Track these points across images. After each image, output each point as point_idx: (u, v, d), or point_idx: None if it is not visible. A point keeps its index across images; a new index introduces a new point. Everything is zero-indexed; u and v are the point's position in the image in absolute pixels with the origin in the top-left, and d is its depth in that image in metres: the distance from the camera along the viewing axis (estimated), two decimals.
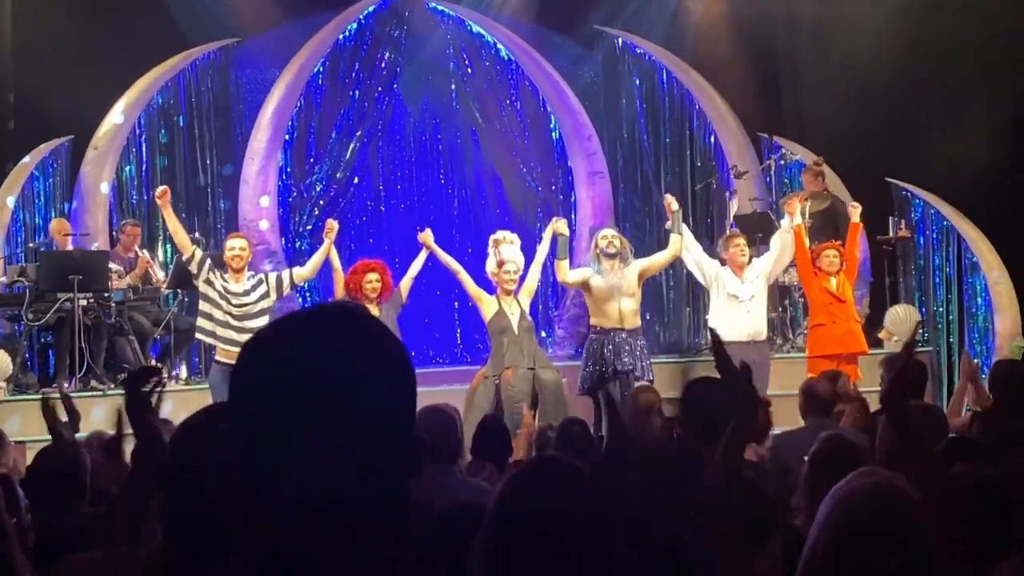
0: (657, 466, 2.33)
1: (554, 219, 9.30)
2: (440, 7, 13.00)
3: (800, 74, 12.21)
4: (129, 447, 3.90)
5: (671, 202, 9.06)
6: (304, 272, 8.86)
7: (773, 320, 10.74)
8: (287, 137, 12.53)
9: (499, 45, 13.10)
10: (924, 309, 11.63)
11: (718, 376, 2.61)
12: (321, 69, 12.70)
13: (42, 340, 10.21)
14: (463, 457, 4.73)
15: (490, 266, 8.92)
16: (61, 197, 11.49)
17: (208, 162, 12.27)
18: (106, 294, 9.66)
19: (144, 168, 11.97)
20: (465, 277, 8.98)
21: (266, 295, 8.58)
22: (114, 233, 11.23)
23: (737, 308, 8.89)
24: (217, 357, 8.50)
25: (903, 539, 1.87)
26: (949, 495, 2.09)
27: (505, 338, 8.56)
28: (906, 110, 11.33)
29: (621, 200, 13.08)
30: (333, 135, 12.68)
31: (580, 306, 12.84)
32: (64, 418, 4.66)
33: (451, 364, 12.15)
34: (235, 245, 8.60)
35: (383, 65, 12.82)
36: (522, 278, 8.89)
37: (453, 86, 13.03)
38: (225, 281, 8.49)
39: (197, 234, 11.52)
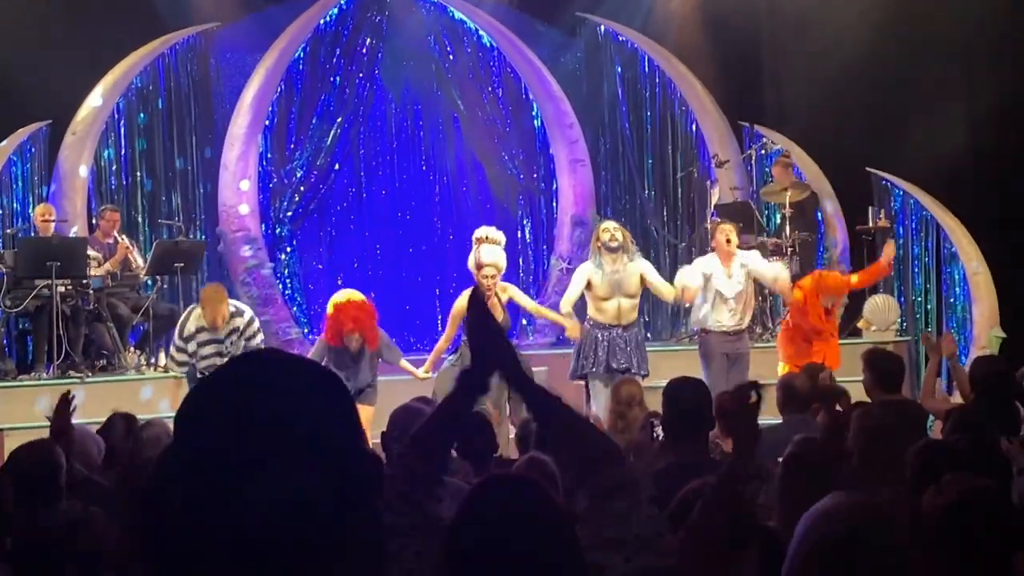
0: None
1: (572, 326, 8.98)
2: None
3: (782, 63, 12.20)
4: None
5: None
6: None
7: (753, 310, 10.77)
8: (267, 123, 12.48)
9: (481, 32, 13.05)
10: (903, 299, 11.69)
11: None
12: (302, 54, 12.63)
13: (20, 327, 10.14)
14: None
15: (471, 264, 8.86)
16: (39, 182, 11.40)
17: (188, 146, 12.19)
18: (84, 280, 9.61)
19: (124, 152, 11.90)
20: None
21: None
22: (93, 219, 11.15)
23: (722, 305, 8.97)
24: None
25: (880, 562, 1.88)
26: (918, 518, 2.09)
27: None
28: (887, 100, 11.36)
29: (603, 188, 13.08)
30: (314, 121, 12.62)
31: (561, 293, 12.85)
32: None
33: (431, 350, 12.12)
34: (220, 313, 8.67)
35: (364, 51, 12.76)
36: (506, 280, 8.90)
37: (435, 73, 12.98)
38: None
39: (176, 221, 11.51)
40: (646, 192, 12.97)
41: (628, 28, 12.85)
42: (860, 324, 11.05)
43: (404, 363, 8.79)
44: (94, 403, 8.34)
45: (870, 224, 11.33)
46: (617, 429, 5.99)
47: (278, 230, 12.62)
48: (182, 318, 8.96)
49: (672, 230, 12.89)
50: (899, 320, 11.23)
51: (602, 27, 12.97)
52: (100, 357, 9.88)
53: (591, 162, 12.87)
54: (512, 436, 6.75)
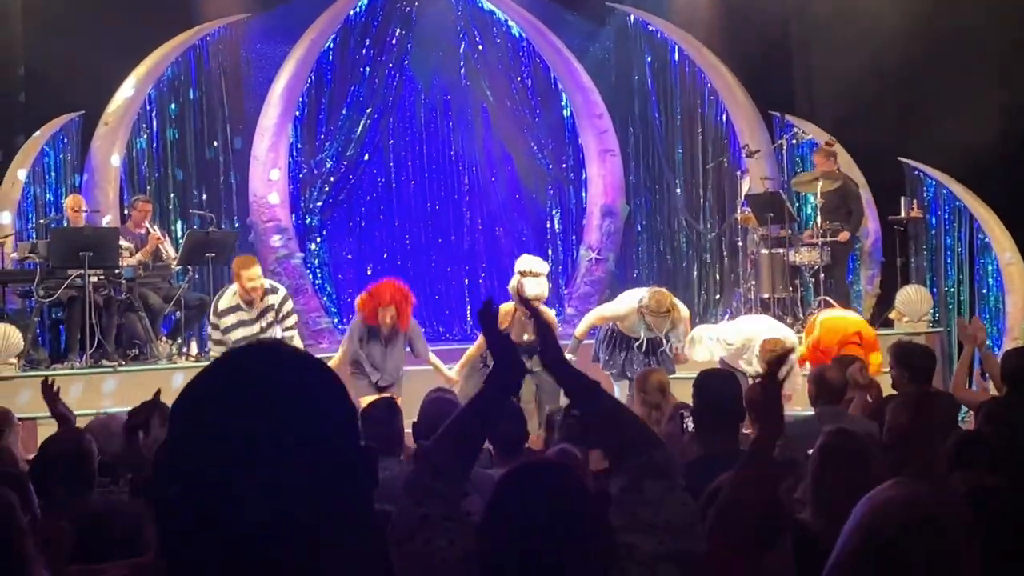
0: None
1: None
2: None
3: (813, 53, 12.12)
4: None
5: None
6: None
7: (784, 300, 10.73)
8: (297, 113, 12.52)
9: (510, 22, 13.04)
10: (935, 290, 11.59)
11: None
12: (332, 45, 12.66)
13: (53, 316, 10.23)
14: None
15: (512, 290, 8.46)
16: (72, 172, 11.50)
17: (219, 136, 12.25)
18: (116, 271, 9.67)
19: (155, 143, 11.97)
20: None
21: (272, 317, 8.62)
22: (125, 209, 11.23)
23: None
24: None
25: (933, 555, 1.88)
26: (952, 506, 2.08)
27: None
28: (919, 89, 11.25)
29: (632, 178, 13.05)
30: (344, 111, 12.66)
31: (590, 284, 12.87)
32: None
33: (461, 341, 12.13)
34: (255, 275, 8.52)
35: (394, 42, 12.78)
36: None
37: (464, 63, 12.98)
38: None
39: (207, 211, 11.57)
40: (676, 182, 12.93)
41: (657, 17, 12.81)
42: (892, 315, 10.98)
43: (433, 358, 8.70)
44: (126, 392, 8.40)
45: (902, 214, 11.26)
46: (652, 420, 5.95)
47: (308, 220, 12.67)
48: (215, 297, 8.95)
49: (702, 220, 12.85)
50: (931, 311, 11.14)
51: (631, 16, 12.93)
52: (132, 346, 9.96)
53: (620, 152, 12.85)
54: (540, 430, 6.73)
